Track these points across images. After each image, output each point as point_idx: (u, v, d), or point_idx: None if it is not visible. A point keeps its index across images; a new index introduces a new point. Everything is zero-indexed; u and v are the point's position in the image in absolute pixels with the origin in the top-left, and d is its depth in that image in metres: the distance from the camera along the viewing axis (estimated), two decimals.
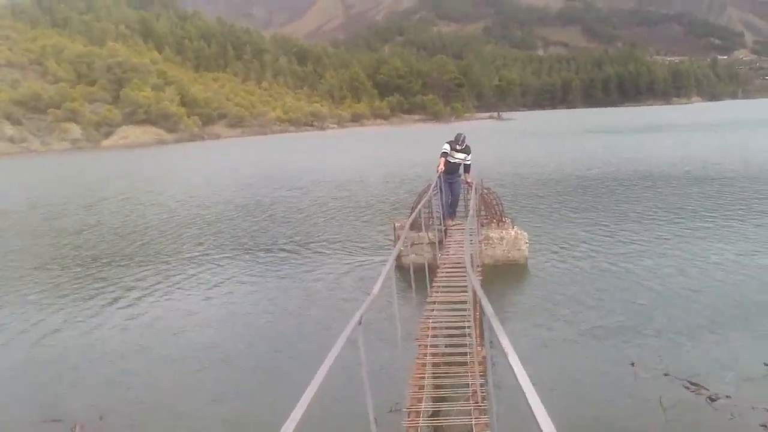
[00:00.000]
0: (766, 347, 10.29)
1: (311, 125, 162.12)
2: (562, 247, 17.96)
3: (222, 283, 16.25)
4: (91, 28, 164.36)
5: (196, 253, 19.97)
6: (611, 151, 51.44)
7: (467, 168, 16.82)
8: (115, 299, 15.19)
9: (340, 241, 20.45)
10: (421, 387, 7.22)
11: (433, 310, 9.51)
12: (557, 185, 31.75)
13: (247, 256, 19.16)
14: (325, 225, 23.84)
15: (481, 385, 7.01)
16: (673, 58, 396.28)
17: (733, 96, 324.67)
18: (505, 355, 3.68)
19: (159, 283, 16.58)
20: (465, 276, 11.03)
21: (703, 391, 8.69)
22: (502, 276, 15.14)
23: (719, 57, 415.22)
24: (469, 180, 16.99)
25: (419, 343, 8.49)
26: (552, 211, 24.35)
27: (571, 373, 9.57)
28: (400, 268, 14.24)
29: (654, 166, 38.29)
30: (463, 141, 16.64)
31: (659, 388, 8.89)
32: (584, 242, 18.57)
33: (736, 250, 16.65)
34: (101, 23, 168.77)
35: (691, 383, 8.94)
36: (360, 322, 5.04)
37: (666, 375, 9.28)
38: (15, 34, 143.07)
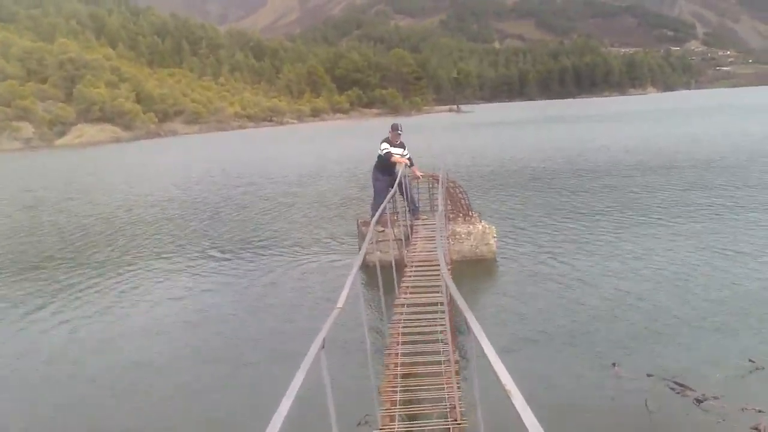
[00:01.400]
0: (750, 342, 9.88)
1: (270, 120, 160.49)
2: (531, 240, 17.53)
3: (172, 288, 15.43)
4: (39, 24, 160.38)
5: (145, 257, 19.08)
6: (570, 141, 51.37)
7: (411, 161, 16.00)
8: (42, 306, 14.35)
9: (302, 240, 19.74)
10: (394, 402, 6.58)
11: (402, 313, 8.89)
12: (521, 176, 31.46)
13: (201, 258, 18.33)
14: (286, 223, 23.10)
15: (459, 398, 6.43)
16: (627, 50, 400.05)
17: (687, 86, 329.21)
18: (489, 363, 3.47)
19: (92, 288, 15.68)
20: (435, 275, 10.50)
21: (689, 392, 8.21)
22: (471, 273, 14.56)
23: (672, 48, 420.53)
24: (418, 173, 16.33)
25: (389, 351, 7.88)
26: (518, 203, 23.98)
27: (548, 377, 9.02)
28: (366, 266, 13.68)
29: (618, 154, 38.20)
30: (400, 130, 15.80)
31: (643, 390, 8.40)
32: (553, 234, 18.18)
33: (710, 242, 16.33)
34: (50, 18, 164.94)
35: (677, 384, 8.46)
36: (323, 346, 4.45)
37: (650, 375, 8.78)
38: None
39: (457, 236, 15.57)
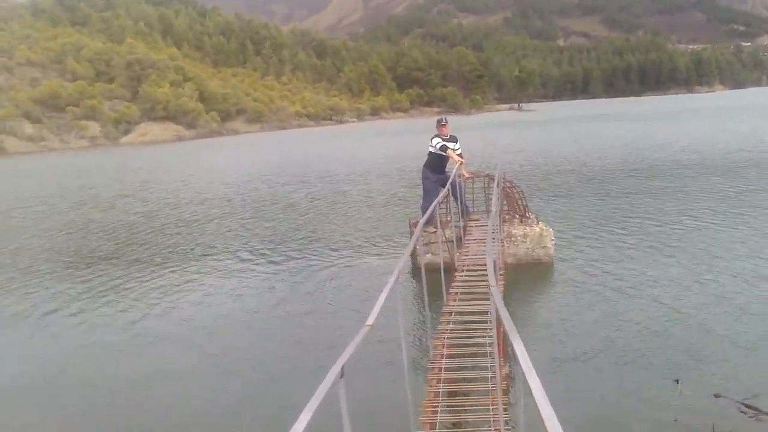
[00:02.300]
0: None
1: (330, 119, 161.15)
2: (589, 244, 16.70)
3: (208, 291, 15.08)
4: (110, 26, 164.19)
5: (199, 253, 18.99)
6: (633, 139, 49.96)
7: (462, 156, 15.16)
8: (103, 301, 14.22)
9: (352, 240, 19.32)
10: (433, 425, 6.01)
11: (449, 322, 8.30)
12: (581, 176, 30.43)
13: (245, 259, 18.05)
14: (337, 222, 22.79)
15: (506, 422, 5.82)
16: (695, 46, 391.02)
17: (758, 83, 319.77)
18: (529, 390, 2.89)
19: (125, 288, 15.59)
20: (487, 280, 9.92)
21: (763, 417, 7.41)
22: (526, 277, 13.93)
23: (743, 43, 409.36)
24: (465, 172, 15.41)
25: (432, 364, 7.28)
26: (578, 204, 23.05)
27: (607, 395, 8.33)
28: (416, 269, 13.12)
29: (682, 154, 36.89)
30: (445, 121, 15.11)
31: (710, 412, 7.65)
32: (613, 238, 17.31)
33: None
34: (120, 20, 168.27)
35: (747, 406, 7.66)
36: (342, 374, 3.85)
37: (717, 396, 8.00)
38: (35, 33, 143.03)
39: (512, 238, 14.90)
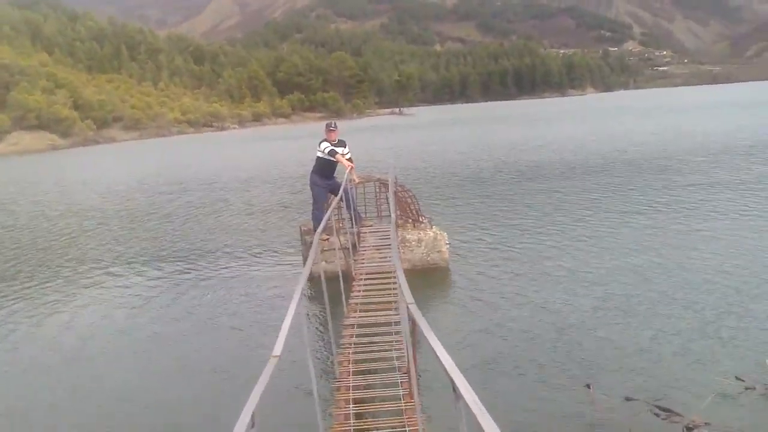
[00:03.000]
0: (737, 358, 9.01)
1: (211, 126, 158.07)
2: (483, 246, 16.69)
3: (93, 305, 14.21)
4: None
5: (70, 269, 17.88)
6: (512, 141, 50.91)
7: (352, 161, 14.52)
8: None
9: (241, 250, 18.65)
10: None
11: (352, 336, 7.87)
12: (467, 178, 30.70)
13: (122, 274, 17.11)
14: (223, 232, 22.00)
15: None
16: (566, 51, 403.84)
17: (625, 86, 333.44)
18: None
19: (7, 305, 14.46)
20: (387, 289, 9.57)
21: (676, 418, 7.32)
22: (423, 283, 13.47)
23: (610, 48, 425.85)
24: (355, 177, 14.76)
25: (338, 384, 6.80)
26: (467, 206, 23.11)
27: (515, 401, 8.13)
28: (310, 277, 12.68)
29: (562, 153, 37.72)
30: (334, 126, 14.49)
31: (624, 416, 7.54)
32: (507, 238, 17.38)
33: (679, 241, 15.72)
34: None
35: (661, 408, 7.57)
36: (253, 424, 3.30)
37: (629, 399, 7.91)
38: None
39: (407, 244, 14.62)
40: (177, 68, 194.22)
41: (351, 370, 7.01)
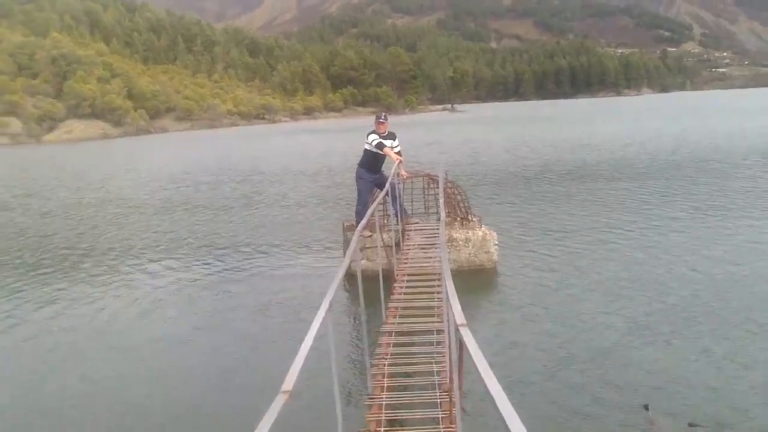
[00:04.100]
0: None
1: (262, 118, 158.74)
2: (533, 249, 15.74)
3: (114, 301, 13.60)
4: (33, 19, 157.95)
5: (112, 261, 17.39)
6: (569, 140, 49.60)
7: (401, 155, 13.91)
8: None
9: (282, 245, 18.03)
10: None
11: (390, 344, 7.15)
12: (520, 178, 29.61)
13: (170, 262, 16.67)
14: (266, 224, 21.46)
15: None
16: (623, 50, 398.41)
17: (682, 87, 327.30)
18: None
19: (25, 298, 14.00)
20: (431, 293, 8.83)
21: None
22: (469, 286, 12.55)
23: (668, 49, 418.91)
24: (404, 172, 14.21)
25: (372, 401, 6.06)
26: (519, 206, 22.16)
27: (566, 423, 7.35)
28: (348, 276, 12.02)
29: (617, 154, 36.54)
30: (383, 118, 13.89)
31: None
32: (557, 241, 16.42)
33: (740, 251, 14.69)
34: (44, 13, 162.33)
35: None
36: None
37: (692, 426, 7.04)
38: None
39: (454, 243, 13.81)
40: (232, 61, 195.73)
41: (385, 384, 6.26)
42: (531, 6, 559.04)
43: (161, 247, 18.77)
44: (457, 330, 3.41)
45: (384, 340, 7.41)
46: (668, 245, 15.37)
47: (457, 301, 3.81)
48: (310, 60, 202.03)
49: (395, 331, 7.62)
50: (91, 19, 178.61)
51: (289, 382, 3.21)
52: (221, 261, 16.56)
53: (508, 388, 7.67)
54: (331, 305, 4.27)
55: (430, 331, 7.41)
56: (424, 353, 6.92)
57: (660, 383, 8.17)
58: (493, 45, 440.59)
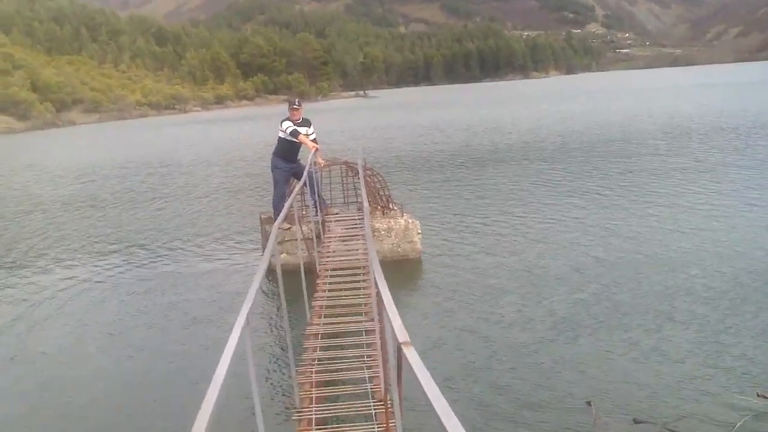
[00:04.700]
0: (759, 373, 7.80)
1: (173, 108, 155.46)
2: (457, 236, 15.50)
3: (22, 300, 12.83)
4: None
5: (10, 261, 16.42)
6: (481, 124, 49.79)
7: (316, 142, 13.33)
8: None
9: (195, 238, 17.37)
10: None
11: (315, 348, 6.68)
12: (436, 162, 29.45)
13: (74, 262, 15.78)
14: (178, 217, 20.73)
15: None
16: (529, 33, 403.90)
17: (588, 69, 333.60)
18: None
19: None
20: (356, 288, 8.43)
21: None
22: (393, 277, 12.17)
23: (573, 30, 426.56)
24: (321, 160, 13.69)
25: (299, 415, 5.51)
26: (436, 192, 21.93)
27: (505, 419, 7.04)
28: (268, 271, 11.46)
29: (528, 136, 36.77)
30: (297, 104, 13.38)
31: None
32: (480, 227, 16.24)
33: (670, 222, 14.75)
34: None
35: None
36: None
37: (638, 422, 6.76)
38: None
39: (376, 233, 13.26)
40: (139, 50, 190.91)
41: (314, 395, 5.77)
42: None
43: (64, 246, 17.80)
44: (399, 349, 3.01)
45: (310, 343, 6.92)
46: (586, 228, 15.32)
47: (397, 314, 3.40)
48: (219, 47, 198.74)
49: (321, 333, 7.14)
50: None
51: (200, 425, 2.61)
52: (129, 260, 15.75)
53: (443, 379, 7.36)
54: (248, 320, 3.79)
55: (358, 332, 6.98)
56: (354, 357, 6.45)
57: (594, 379, 7.89)
58: (402, 30, 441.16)
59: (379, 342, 5.72)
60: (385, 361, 5.19)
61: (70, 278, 14.44)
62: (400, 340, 2.94)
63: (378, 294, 4.37)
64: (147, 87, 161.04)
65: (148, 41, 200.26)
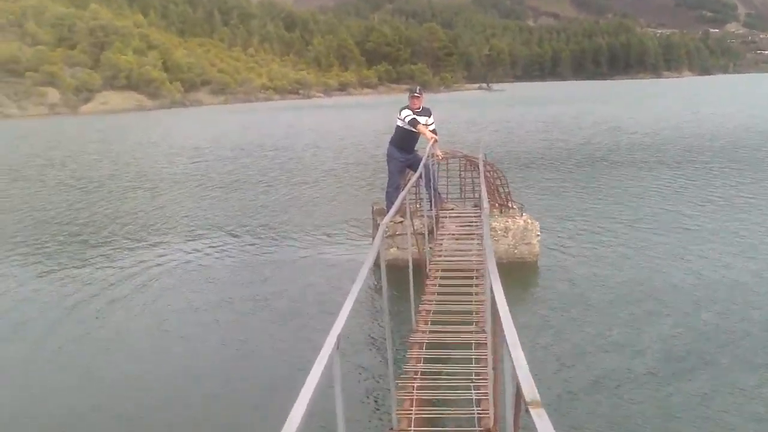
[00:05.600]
0: None
1: (297, 93, 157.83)
2: (578, 240, 14.54)
3: (135, 286, 12.58)
4: None
5: (124, 240, 16.50)
6: (613, 122, 47.90)
7: (436, 133, 12.62)
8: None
9: (306, 226, 17.03)
10: None
11: (419, 359, 6.09)
12: (560, 161, 28.14)
13: (180, 244, 15.69)
14: (292, 204, 20.47)
15: None
16: (664, 31, 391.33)
17: (725, 70, 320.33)
18: None
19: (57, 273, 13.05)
20: (468, 293, 7.78)
21: None
22: (508, 281, 11.31)
23: (711, 30, 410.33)
24: (439, 152, 12.91)
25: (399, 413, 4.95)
26: (558, 192, 20.82)
27: None
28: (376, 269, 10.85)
29: (662, 137, 35.02)
30: (418, 92, 12.70)
31: None
32: (605, 231, 15.22)
33: None
34: None
35: None
36: None
37: None
38: None
39: (492, 233, 12.54)
40: (268, 34, 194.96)
41: (413, 415, 5.12)
42: None
43: (159, 225, 17.88)
44: (526, 410, 2.37)
45: (413, 353, 6.31)
46: (717, 242, 14.05)
47: (522, 355, 2.72)
48: (345, 34, 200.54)
49: (426, 343, 6.54)
50: None
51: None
52: (227, 245, 15.57)
53: (550, 405, 6.62)
54: (338, 342, 3.19)
55: (467, 344, 6.34)
56: (461, 374, 5.78)
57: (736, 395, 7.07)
58: (530, 23, 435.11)
59: (490, 360, 5.05)
60: (497, 392, 4.52)
61: (159, 260, 14.33)
62: (527, 399, 2.38)
63: (493, 305, 3.75)
64: (273, 71, 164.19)
65: (277, 26, 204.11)
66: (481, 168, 11.18)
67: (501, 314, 3.18)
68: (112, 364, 9.05)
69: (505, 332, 2.91)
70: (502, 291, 3.57)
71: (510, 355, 2.75)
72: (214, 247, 15.29)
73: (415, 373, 5.87)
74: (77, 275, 13.24)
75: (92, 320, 10.73)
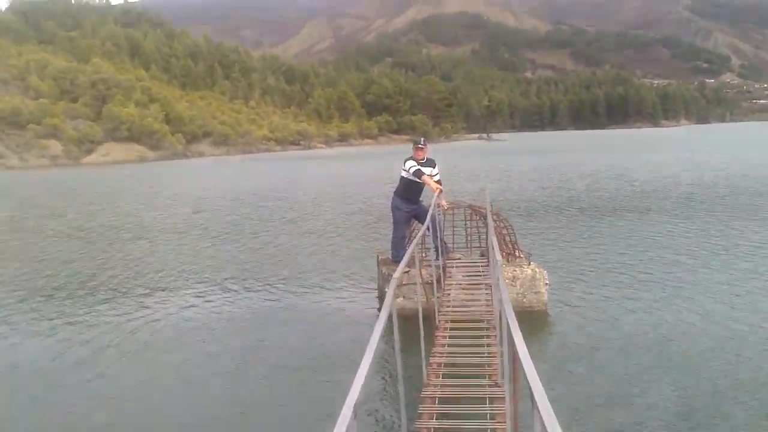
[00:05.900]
0: None
1: (298, 144, 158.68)
2: (585, 289, 14.28)
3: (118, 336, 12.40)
4: (76, 45, 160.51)
5: (123, 291, 16.23)
6: (615, 170, 47.86)
7: (441, 184, 12.70)
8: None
9: (307, 277, 16.70)
10: None
11: (432, 416, 5.82)
12: (565, 209, 27.94)
13: (179, 294, 15.36)
14: (295, 252, 20.20)
15: None
16: (660, 81, 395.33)
17: (721, 119, 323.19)
18: None
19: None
20: (479, 345, 7.57)
21: None
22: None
23: (707, 80, 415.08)
24: (444, 203, 12.90)
25: None
26: (565, 240, 20.57)
27: None
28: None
29: (666, 185, 34.89)
30: (422, 143, 12.79)
31: None
32: (613, 281, 14.94)
33: None
34: (87, 40, 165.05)
35: None
36: None
37: None
38: None
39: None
40: (268, 87, 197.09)
41: None
42: (566, 37, 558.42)
43: (157, 277, 17.55)
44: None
45: (425, 409, 6.05)
46: (731, 291, 13.76)
47: (545, 396, 2.53)
48: (346, 87, 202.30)
49: (439, 397, 6.29)
50: (132, 46, 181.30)
51: None
52: (237, 295, 15.28)
53: None
54: (356, 411, 2.96)
55: (481, 399, 6.12)
56: (477, 420, 5.58)
57: None
58: (528, 75, 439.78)
59: (509, 417, 4.82)
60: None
61: (158, 310, 14.07)
62: None
63: (514, 359, 3.55)
64: (274, 122, 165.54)
65: (278, 79, 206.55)
66: (489, 217, 11.00)
67: (528, 375, 2.99)
68: (102, 417, 8.75)
69: (536, 398, 2.71)
70: (525, 347, 3.37)
71: (542, 422, 2.57)
72: (214, 298, 15.00)
73: (428, 430, 5.62)
74: (73, 326, 12.94)
75: (85, 371, 10.46)
